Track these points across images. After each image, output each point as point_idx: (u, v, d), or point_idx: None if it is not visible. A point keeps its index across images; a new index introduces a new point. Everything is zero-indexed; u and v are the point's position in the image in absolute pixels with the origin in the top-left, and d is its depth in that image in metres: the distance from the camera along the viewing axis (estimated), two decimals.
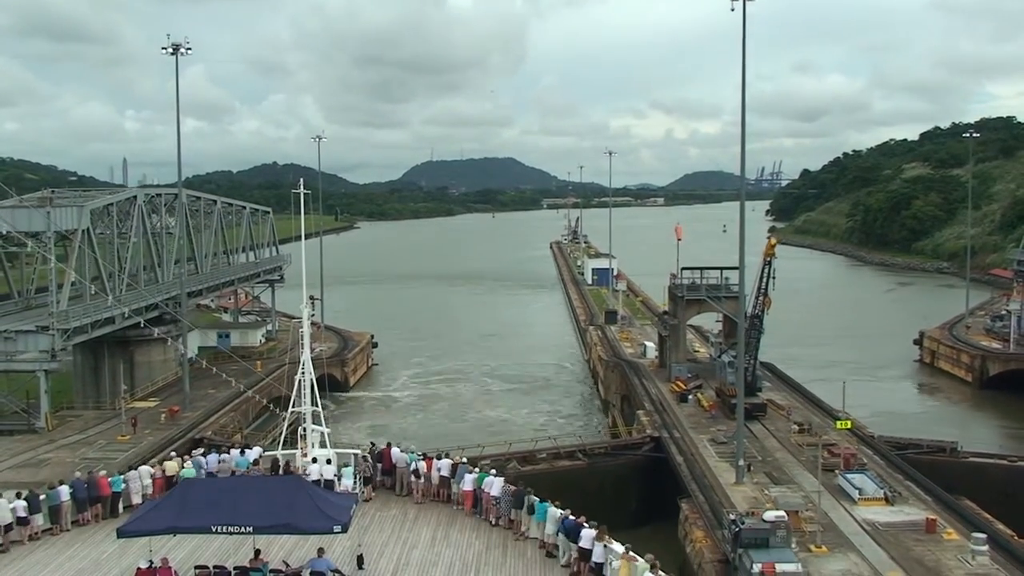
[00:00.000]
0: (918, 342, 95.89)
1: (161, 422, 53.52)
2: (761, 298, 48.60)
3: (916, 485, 41.00)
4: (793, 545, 29.90)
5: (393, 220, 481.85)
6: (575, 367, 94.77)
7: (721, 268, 62.80)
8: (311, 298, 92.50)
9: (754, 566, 27.83)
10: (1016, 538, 34.89)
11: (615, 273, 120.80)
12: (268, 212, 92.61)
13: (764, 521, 29.63)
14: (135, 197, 61.75)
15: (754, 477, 41.62)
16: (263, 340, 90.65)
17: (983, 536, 32.90)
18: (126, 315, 56.38)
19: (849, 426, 42.44)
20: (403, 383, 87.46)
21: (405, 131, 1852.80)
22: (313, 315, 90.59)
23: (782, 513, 30.44)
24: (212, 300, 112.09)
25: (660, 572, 23.11)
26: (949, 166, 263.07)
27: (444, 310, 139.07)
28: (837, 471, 41.55)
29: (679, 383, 59.45)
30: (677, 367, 61.66)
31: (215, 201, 78.05)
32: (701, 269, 62.85)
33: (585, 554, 24.55)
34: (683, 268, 63.35)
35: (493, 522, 28.64)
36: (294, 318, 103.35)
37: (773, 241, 46.96)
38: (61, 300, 52.68)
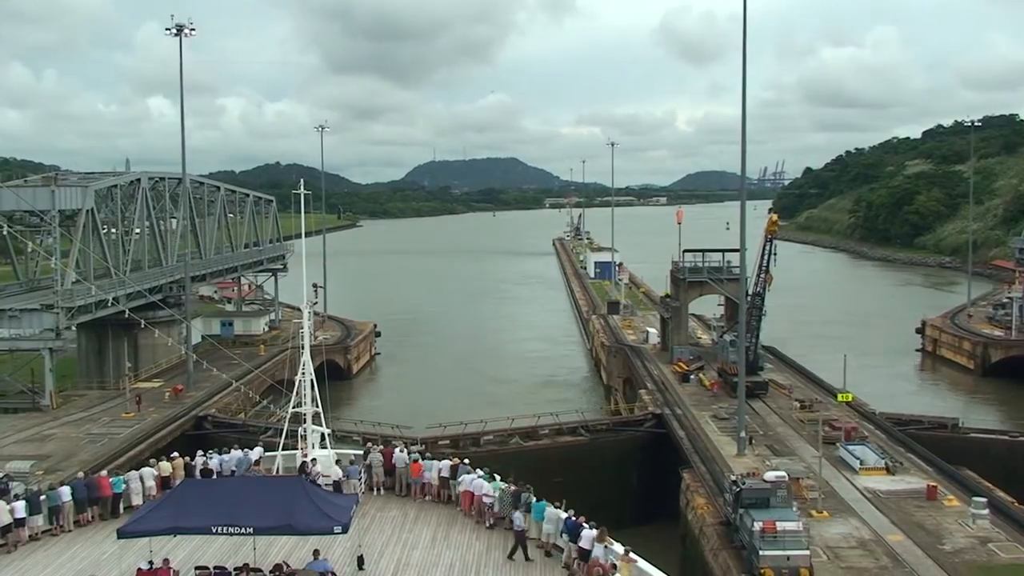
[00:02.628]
0: (920, 331, 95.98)
1: (165, 400, 53.79)
2: (763, 275, 48.74)
3: (917, 457, 41.17)
4: (794, 506, 30.05)
5: (395, 219, 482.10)
6: (575, 344, 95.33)
7: (723, 250, 62.95)
8: (315, 285, 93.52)
9: (755, 525, 27.97)
10: (1016, 504, 35.03)
11: (618, 264, 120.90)
12: (271, 201, 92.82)
13: (765, 481, 29.78)
14: (139, 180, 61.98)
15: (755, 449, 41.80)
16: (266, 328, 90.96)
17: (983, 500, 33.09)
18: (129, 296, 56.59)
19: (850, 399, 42.62)
20: (405, 372, 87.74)
21: (411, 116, 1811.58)
22: (315, 303, 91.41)
23: (782, 473, 30.60)
24: (216, 291, 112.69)
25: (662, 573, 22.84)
26: (951, 162, 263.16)
27: (448, 289, 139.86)
28: (838, 443, 41.73)
29: (681, 364, 59.63)
30: (679, 349, 61.84)
31: (218, 188, 78.30)
32: (703, 251, 63.01)
33: (584, 554, 24.46)
34: (685, 251, 63.52)
35: (489, 524, 28.32)
36: (297, 309, 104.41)
37: (774, 217, 47.09)
38: (65, 279, 52.92)
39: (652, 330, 77.33)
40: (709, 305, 72.06)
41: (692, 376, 56.86)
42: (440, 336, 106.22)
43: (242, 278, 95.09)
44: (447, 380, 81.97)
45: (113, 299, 55.45)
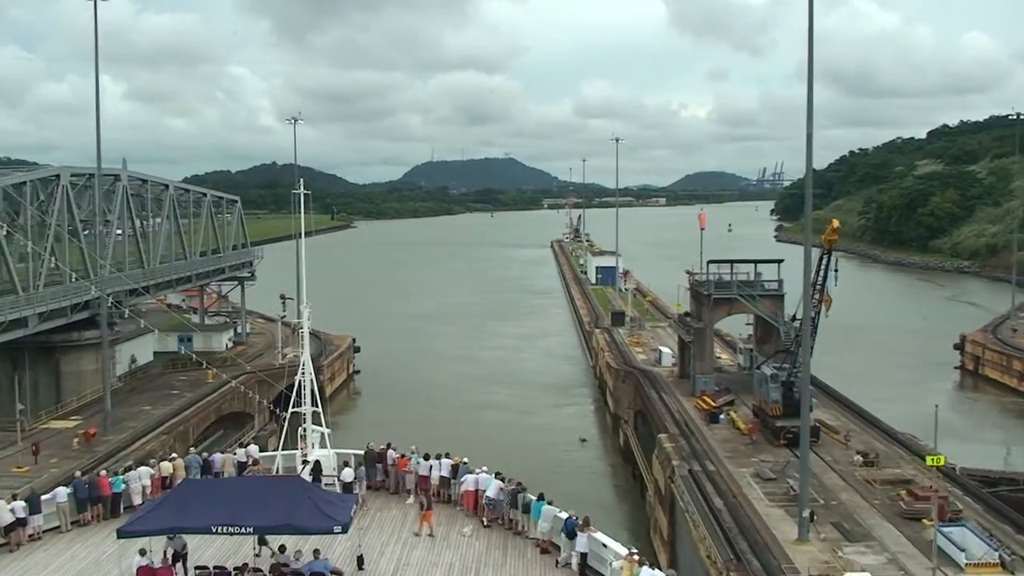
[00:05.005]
0: (959, 347, 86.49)
1: (73, 448, 43.66)
2: (817, 296, 38.73)
3: None
4: None
5: (391, 219, 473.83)
6: (576, 356, 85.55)
7: (755, 261, 52.87)
8: (282, 297, 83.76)
9: None
10: None
11: (623, 272, 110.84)
12: (235, 201, 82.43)
13: None
14: (58, 176, 51.89)
15: (820, 530, 31.73)
16: (230, 344, 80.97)
17: None
18: (42, 315, 46.60)
19: (942, 462, 32.59)
20: (387, 393, 77.81)
21: (400, 104, 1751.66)
22: (284, 316, 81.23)
23: None
24: (184, 300, 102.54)
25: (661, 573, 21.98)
26: (962, 162, 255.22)
27: (441, 293, 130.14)
28: (926, 520, 31.84)
29: (706, 399, 49.54)
30: (703, 379, 51.62)
31: (166, 186, 67.99)
32: (731, 262, 52.86)
33: (582, 557, 24.10)
34: (710, 261, 53.33)
35: (485, 522, 27.77)
36: (271, 320, 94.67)
37: (835, 224, 37.14)
38: None
39: (665, 350, 67.33)
40: (735, 324, 62.07)
41: (722, 415, 46.71)
42: (427, 350, 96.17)
43: (206, 287, 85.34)
44: (434, 401, 72.14)
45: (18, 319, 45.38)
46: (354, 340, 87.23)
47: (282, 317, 78.29)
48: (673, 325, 59.17)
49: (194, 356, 74.52)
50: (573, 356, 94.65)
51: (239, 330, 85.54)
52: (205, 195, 75.45)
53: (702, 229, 60.22)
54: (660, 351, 67.35)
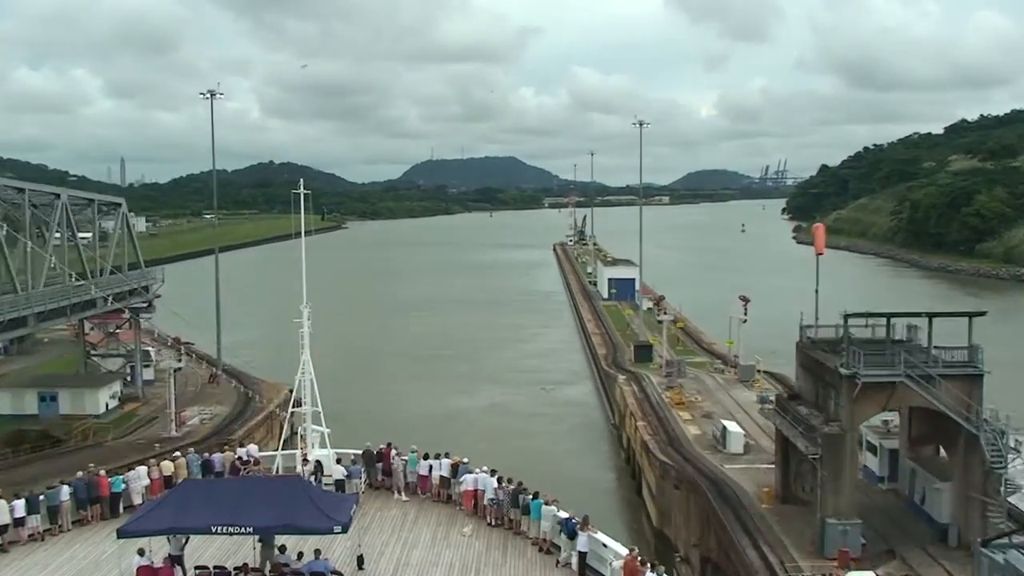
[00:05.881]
0: None
1: None
2: None
3: None
4: None
5: (387, 219, 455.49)
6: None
7: (930, 314, 29.74)
8: (178, 341, 61.91)
9: None
10: None
11: (654, 296, 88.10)
12: (119, 205, 59.42)
13: None
14: None
15: None
16: (114, 403, 58.26)
17: None
18: None
19: None
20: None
21: (392, 97, 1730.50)
22: (180, 367, 58.54)
23: None
24: (92, 329, 79.76)
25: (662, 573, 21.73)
26: (1000, 157, 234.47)
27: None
28: None
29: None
30: (840, 527, 28.41)
31: None
32: (887, 315, 29.79)
33: (582, 556, 24.12)
34: (847, 315, 29.74)
35: (493, 522, 27.55)
36: (204, 358, 72.67)
37: None
38: None
39: (733, 428, 44.52)
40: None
41: None
42: (393, 398, 73.37)
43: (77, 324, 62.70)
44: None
45: None
46: (292, 391, 64.66)
47: (177, 369, 55.56)
48: (767, 413, 36.20)
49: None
50: (589, 418, 71.93)
51: (139, 376, 62.94)
52: (58, 197, 52.20)
53: (819, 255, 36.21)
54: (726, 429, 44.44)
